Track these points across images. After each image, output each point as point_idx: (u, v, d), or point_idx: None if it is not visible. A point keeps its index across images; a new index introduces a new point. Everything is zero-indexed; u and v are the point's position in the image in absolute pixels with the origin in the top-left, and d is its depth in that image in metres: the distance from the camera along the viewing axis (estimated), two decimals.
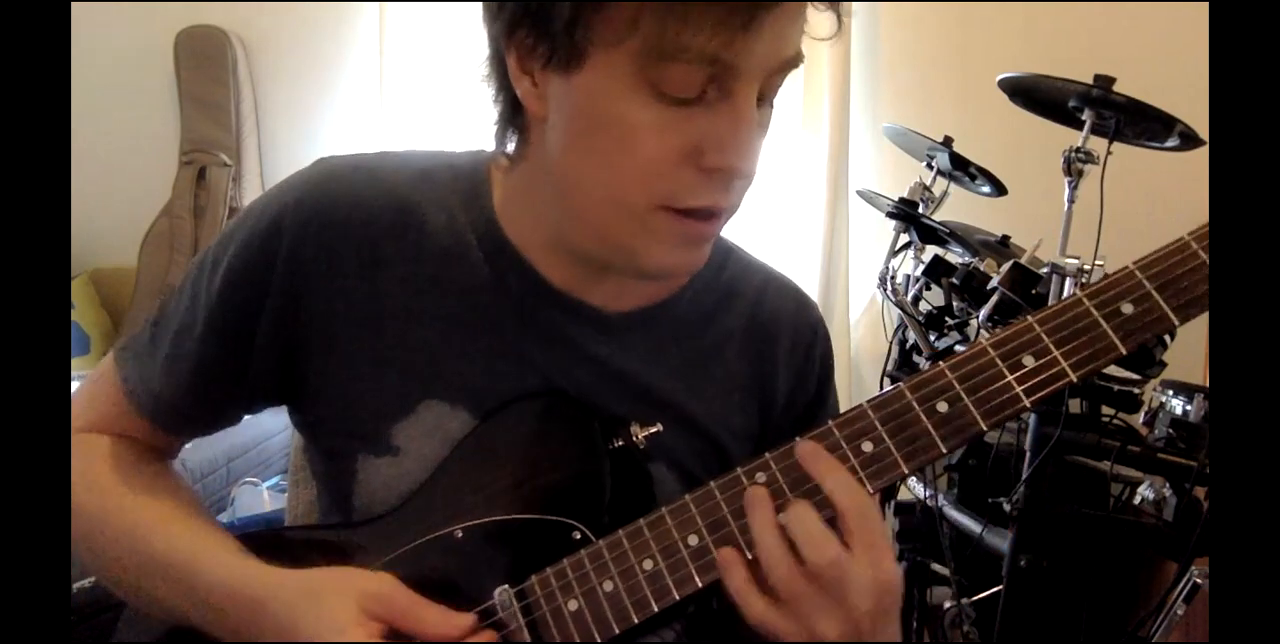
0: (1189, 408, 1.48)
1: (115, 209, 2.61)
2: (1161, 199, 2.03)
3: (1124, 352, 0.58)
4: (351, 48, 2.63)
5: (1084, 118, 1.47)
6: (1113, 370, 1.44)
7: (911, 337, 1.87)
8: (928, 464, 0.61)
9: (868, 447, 0.60)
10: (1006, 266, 1.45)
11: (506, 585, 0.65)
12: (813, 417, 0.80)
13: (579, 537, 0.66)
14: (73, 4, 1.06)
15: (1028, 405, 0.59)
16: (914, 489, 1.77)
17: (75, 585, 1.24)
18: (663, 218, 0.61)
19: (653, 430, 0.69)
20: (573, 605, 0.63)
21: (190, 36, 2.63)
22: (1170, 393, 1.52)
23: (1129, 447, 1.44)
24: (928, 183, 1.88)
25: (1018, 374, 0.59)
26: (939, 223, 1.75)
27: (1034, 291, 1.41)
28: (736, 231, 0.71)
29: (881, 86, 2.54)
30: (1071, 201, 1.48)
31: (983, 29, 2.45)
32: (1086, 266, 1.36)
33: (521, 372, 0.70)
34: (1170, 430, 1.47)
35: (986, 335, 0.62)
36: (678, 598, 0.62)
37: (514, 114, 0.66)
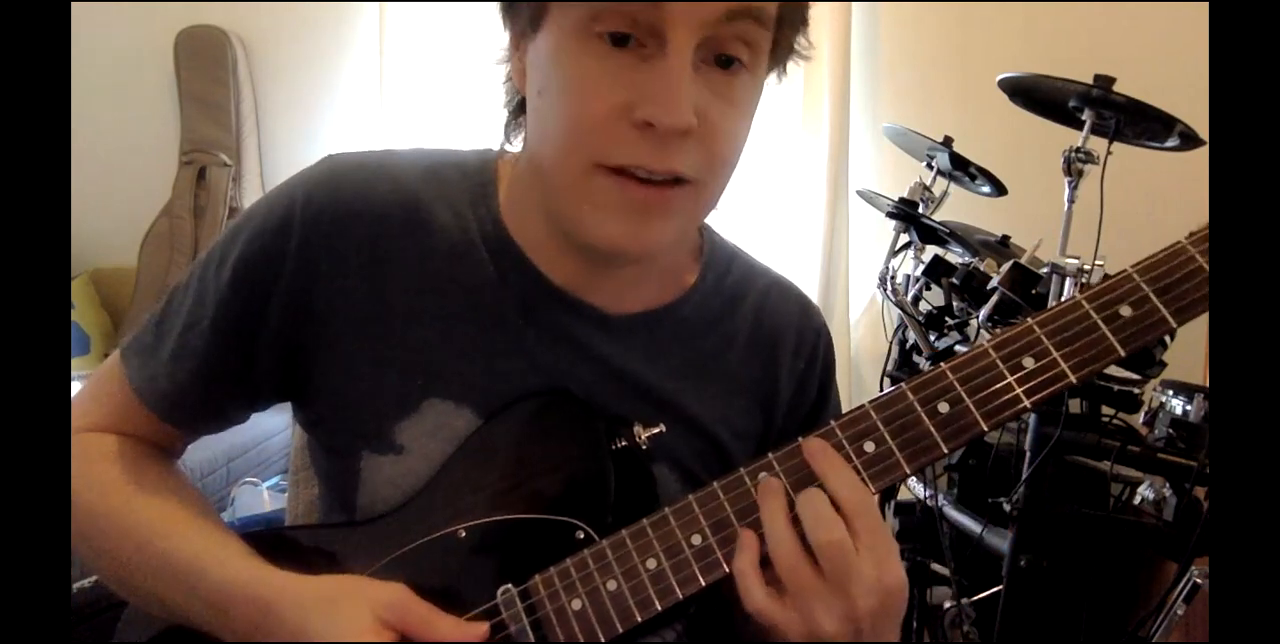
0: (1189, 408, 1.48)
1: (115, 209, 2.61)
2: (1161, 199, 2.03)
3: (1123, 354, 0.59)
4: (351, 48, 2.63)
5: (1084, 118, 1.47)
6: (1113, 370, 1.44)
7: (911, 337, 1.87)
8: (929, 464, 0.61)
9: (870, 447, 0.61)
10: (1006, 266, 1.45)
11: (510, 585, 0.65)
12: (815, 418, 0.80)
13: (582, 536, 0.66)
14: (73, 4, 1.06)
15: (1028, 406, 0.59)
16: (914, 489, 1.77)
17: (75, 585, 1.24)
18: (601, 179, 0.60)
19: (655, 431, 0.69)
20: (576, 605, 0.63)
21: (190, 36, 2.63)
22: (1170, 393, 1.52)
23: (1129, 447, 1.44)
24: (928, 183, 1.89)
25: (1018, 375, 0.60)
26: (939, 223, 1.75)
27: (1034, 292, 1.41)
28: (737, 231, 0.71)
29: (881, 86, 2.54)
30: (1071, 201, 1.48)
31: (983, 29, 2.45)
32: (1086, 267, 1.36)
33: (524, 370, 0.70)
34: (1170, 430, 1.47)
35: (987, 336, 0.62)
36: (681, 597, 0.62)
37: (518, 104, 0.68)
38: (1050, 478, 1.44)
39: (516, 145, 0.71)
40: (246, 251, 0.69)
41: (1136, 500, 1.58)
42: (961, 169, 1.86)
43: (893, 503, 1.84)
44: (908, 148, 2.03)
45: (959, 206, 1.94)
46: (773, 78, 0.67)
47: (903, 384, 0.61)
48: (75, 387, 0.74)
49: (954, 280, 1.62)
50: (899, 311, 1.87)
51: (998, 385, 0.60)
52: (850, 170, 2.52)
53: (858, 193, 2.13)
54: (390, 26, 2.54)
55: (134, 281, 2.61)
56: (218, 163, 2.63)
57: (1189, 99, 1.33)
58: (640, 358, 0.73)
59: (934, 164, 1.90)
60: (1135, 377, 1.44)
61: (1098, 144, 1.47)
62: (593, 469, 0.68)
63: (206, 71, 2.62)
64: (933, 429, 0.60)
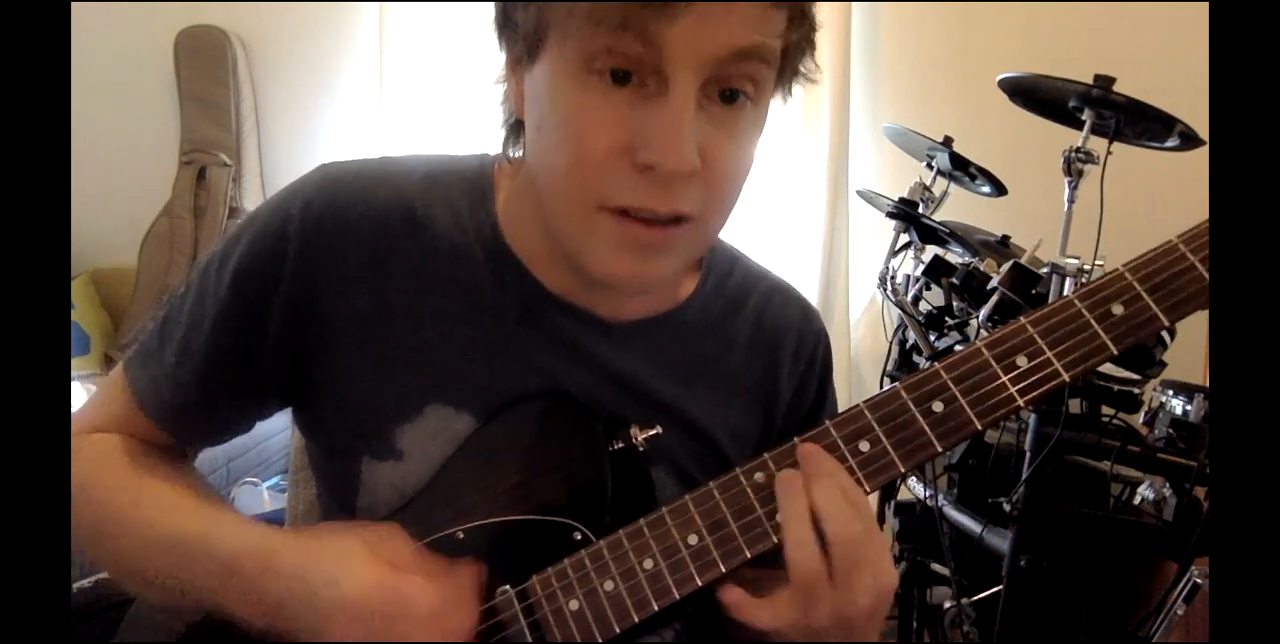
0: (1189, 408, 1.48)
1: (115, 209, 2.61)
2: (1161, 199, 2.03)
3: (1115, 352, 0.59)
4: (351, 48, 2.63)
5: (1084, 118, 1.47)
6: (1113, 370, 1.44)
7: (911, 336, 1.87)
8: (925, 463, 0.62)
9: (865, 446, 0.61)
10: (1006, 266, 1.45)
11: (508, 586, 0.65)
12: (814, 420, 0.80)
13: (580, 537, 0.66)
14: (73, 4, 1.06)
15: (1022, 405, 0.60)
16: (914, 489, 1.77)
17: (75, 585, 1.24)
18: (604, 218, 0.60)
19: (652, 433, 0.69)
20: (574, 605, 0.64)
21: (190, 36, 2.63)
22: (1170, 393, 1.52)
23: (1129, 447, 1.44)
24: (928, 183, 1.89)
25: (1012, 375, 0.60)
26: (939, 223, 1.75)
27: (1034, 291, 1.41)
28: (737, 231, 0.71)
29: (881, 86, 2.54)
30: (1071, 201, 1.48)
31: (983, 29, 2.45)
32: (1086, 266, 1.36)
33: (523, 372, 0.70)
34: (1170, 430, 1.47)
35: (982, 335, 0.62)
36: (678, 597, 0.62)
37: (514, 121, 0.68)
38: (1050, 478, 1.44)
39: (515, 153, 0.71)
40: (248, 254, 0.69)
41: (1136, 500, 1.58)
42: (961, 169, 1.86)
43: (893, 503, 1.84)
44: (908, 148, 2.03)
45: (959, 206, 1.94)
46: (777, 99, 0.66)
47: (897, 384, 0.62)
48: (75, 386, 0.74)
49: (954, 280, 1.62)
50: (899, 312, 1.87)
51: (991, 384, 0.60)
52: (850, 170, 2.52)
53: (858, 193, 2.13)
54: (390, 27, 2.54)
55: (134, 281, 2.60)
56: (218, 163, 2.63)
57: (1189, 99, 1.33)
58: (640, 362, 0.73)
59: (934, 164, 1.90)
60: (1135, 377, 1.44)
61: (1098, 144, 1.47)
62: (591, 471, 0.68)
63: (206, 71, 2.62)
64: (927, 428, 0.60)
